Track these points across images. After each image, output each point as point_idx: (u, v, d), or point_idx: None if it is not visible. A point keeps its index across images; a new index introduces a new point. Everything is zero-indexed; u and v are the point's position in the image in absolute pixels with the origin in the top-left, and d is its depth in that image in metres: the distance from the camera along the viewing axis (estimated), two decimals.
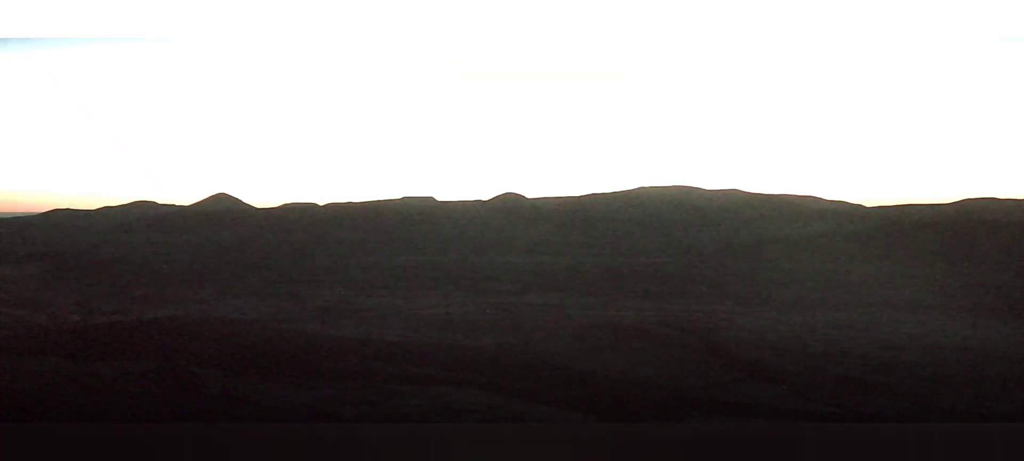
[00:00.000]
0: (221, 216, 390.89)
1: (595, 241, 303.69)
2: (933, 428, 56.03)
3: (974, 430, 53.86)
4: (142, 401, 58.92)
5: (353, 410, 59.39)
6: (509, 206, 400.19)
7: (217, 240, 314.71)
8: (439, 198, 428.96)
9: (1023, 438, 50.30)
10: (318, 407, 59.82)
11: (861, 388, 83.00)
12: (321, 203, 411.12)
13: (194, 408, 57.09)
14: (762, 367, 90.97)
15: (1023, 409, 72.96)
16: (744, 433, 53.04)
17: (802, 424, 60.98)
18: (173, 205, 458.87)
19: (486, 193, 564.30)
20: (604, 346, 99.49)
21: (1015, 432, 53.56)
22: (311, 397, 64.33)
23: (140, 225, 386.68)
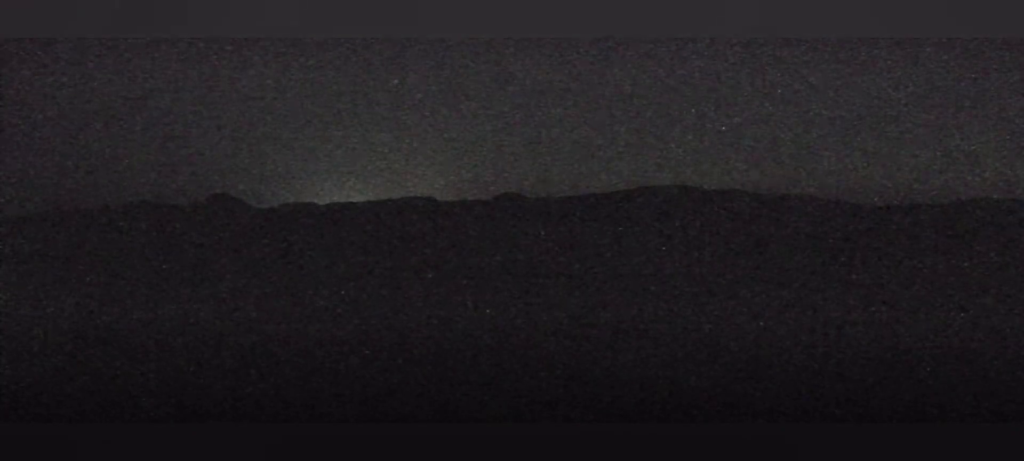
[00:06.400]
0: (221, 216, 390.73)
1: (595, 241, 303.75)
2: (933, 428, 56.03)
3: (974, 430, 53.85)
4: (142, 401, 58.96)
5: (353, 410, 59.43)
6: (509, 206, 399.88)
7: (217, 240, 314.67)
8: (439, 198, 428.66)
9: (1023, 438, 50.28)
10: (318, 407, 59.86)
11: (861, 388, 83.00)
12: (321, 203, 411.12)
13: (194, 408, 57.11)
14: (762, 367, 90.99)
15: (1023, 409, 73.00)
16: (744, 433, 53.05)
17: (802, 424, 60.94)
18: (173, 205, 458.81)
19: (486, 193, 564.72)
20: (604, 346, 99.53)
21: (1015, 432, 53.53)
22: (311, 397, 64.35)
23: (140, 225, 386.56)
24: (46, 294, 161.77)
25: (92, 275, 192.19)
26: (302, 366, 78.65)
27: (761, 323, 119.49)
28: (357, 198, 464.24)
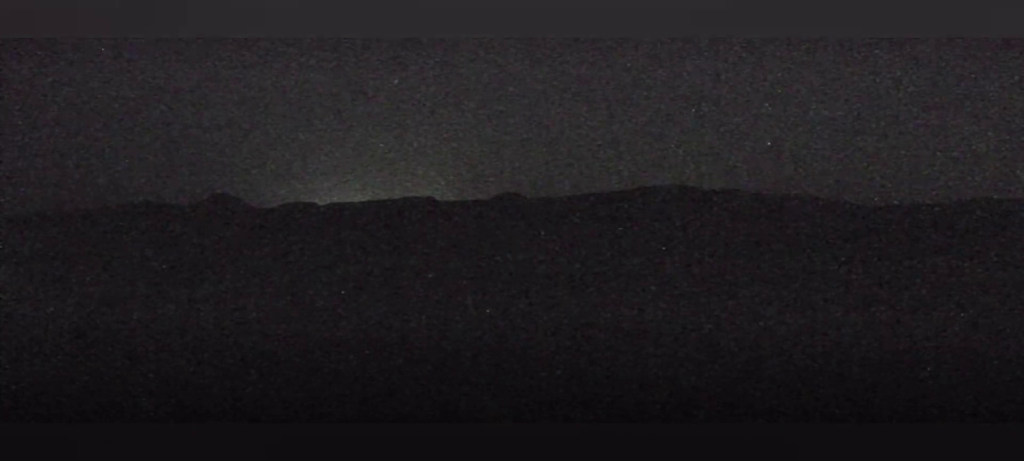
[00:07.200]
0: (221, 216, 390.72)
1: (595, 241, 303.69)
2: (933, 428, 56.05)
3: (974, 430, 53.89)
4: (142, 401, 59.00)
5: (353, 410, 59.48)
6: (509, 206, 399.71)
7: (217, 240, 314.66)
8: (439, 198, 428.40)
9: (1023, 438, 50.31)
10: (318, 407, 59.89)
11: (861, 388, 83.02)
12: (321, 203, 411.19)
13: (194, 408, 57.14)
14: (762, 367, 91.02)
15: (1023, 409, 73.01)
16: (744, 433, 53.08)
17: (802, 424, 60.94)
18: (173, 205, 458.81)
19: (486, 193, 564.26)
20: (604, 346, 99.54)
21: (1015, 432, 53.56)
22: (311, 397, 64.38)
23: (140, 225, 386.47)
24: (46, 294, 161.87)
25: (92, 275, 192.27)
26: (302, 366, 78.67)
27: (761, 323, 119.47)
28: (357, 198, 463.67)
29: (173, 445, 43.84)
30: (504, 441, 46.17)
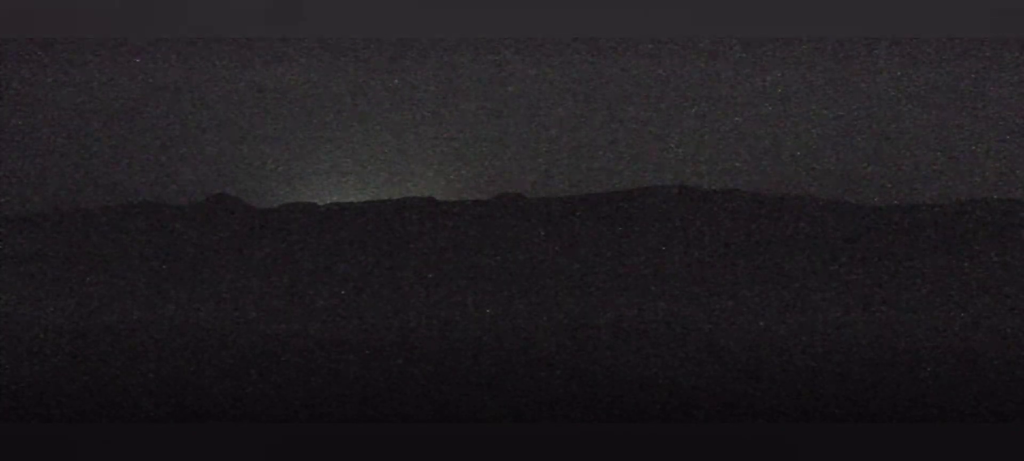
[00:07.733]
0: (221, 216, 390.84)
1: (595, 241, 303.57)
2: (933, 428, 56.06)
3: (974, 430, 53.91)
4: (142, 401, 59.04)
5: (353, 410, 59.52)
6: (509, 206, 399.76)
7: (217, 240, 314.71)
8: (439, 198, 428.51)
9: (1023, 438, 50.34)
10: (318, 407, 59.93)
11: (861, 388, 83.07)
12: (321, 203, 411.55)
13: (194, 408, 57.18)
14: (762, 367, 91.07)
15: (1023, 409, 73.05)
16: (744, 433, 53.07)
17: (802, 424, 60.93)
18: (173, 205, 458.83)
19: (486, 193, 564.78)
20: (604, 346, 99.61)
21: (1015, 432, 53.58)
22: (311, 397, 64.42)
23: (140, 225, 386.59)
24: (46, 294, 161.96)
25: (92, 275, 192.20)
26: (302, 366, 78.71)
27: (761, 323, 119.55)
28: (357, 198, 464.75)
29: (173, 445, 43.88)
30: (504, 441, 46.21)
